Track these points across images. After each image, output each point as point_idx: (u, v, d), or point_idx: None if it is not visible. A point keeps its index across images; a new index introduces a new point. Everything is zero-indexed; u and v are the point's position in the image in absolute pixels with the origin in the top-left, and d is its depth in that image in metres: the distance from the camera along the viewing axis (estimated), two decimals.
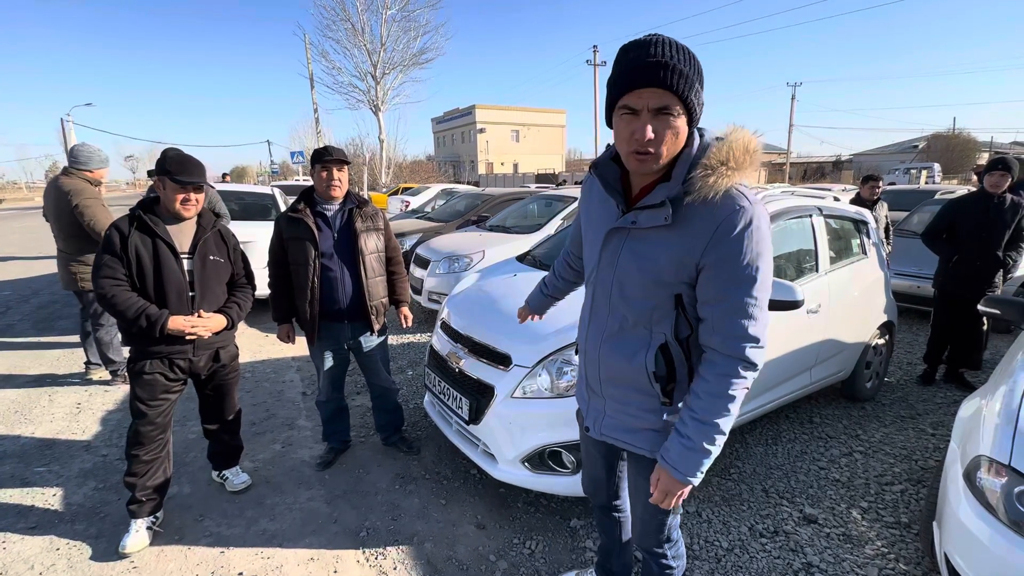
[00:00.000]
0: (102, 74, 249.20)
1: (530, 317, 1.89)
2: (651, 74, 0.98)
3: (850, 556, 2.07)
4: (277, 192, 6.22)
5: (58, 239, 3.46)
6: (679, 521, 1.48)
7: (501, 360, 2.27)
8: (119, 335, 3.62)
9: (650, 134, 1.02)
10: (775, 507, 2.38)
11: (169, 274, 2.00)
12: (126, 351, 2.78)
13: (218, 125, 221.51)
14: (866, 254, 3.42)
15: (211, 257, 2.13)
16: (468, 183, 31.41)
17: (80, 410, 3.30)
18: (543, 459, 2.15)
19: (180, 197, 2.00)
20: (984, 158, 41.40)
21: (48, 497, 2.40)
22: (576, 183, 20.94)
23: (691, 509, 2.35)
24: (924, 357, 3.98)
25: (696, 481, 1.14)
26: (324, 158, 2.32)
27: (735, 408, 1.12)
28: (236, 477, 2.48)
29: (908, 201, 7.23)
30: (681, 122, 1.03)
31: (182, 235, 2.07)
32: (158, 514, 2.18)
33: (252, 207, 5.84)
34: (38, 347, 4.53)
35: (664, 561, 1.45)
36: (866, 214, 3.55)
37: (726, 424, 1.12)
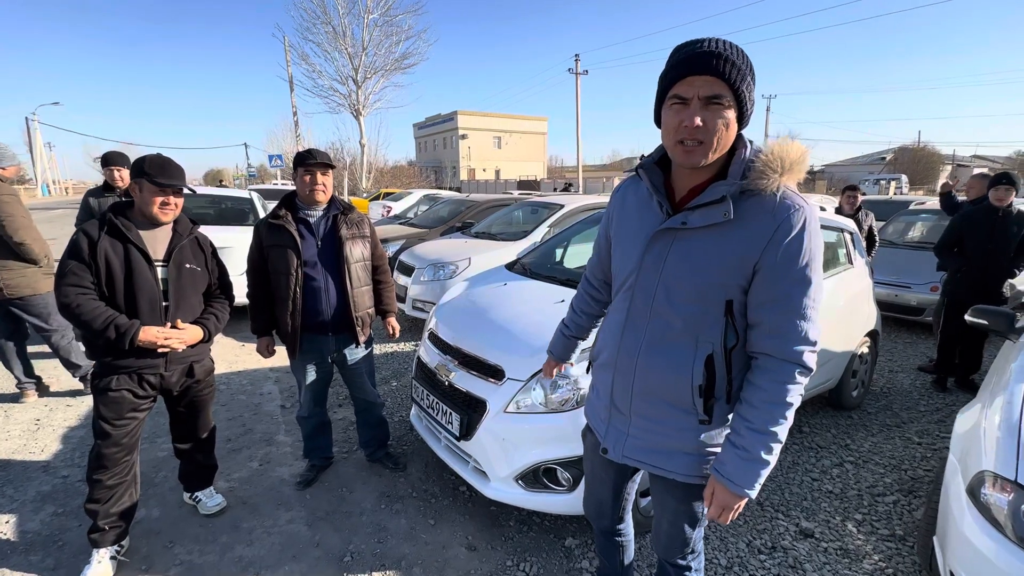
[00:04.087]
0: (70, 73, 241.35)
1: (556, 368, 1.77)
2: (704, 61, 0.99)
3: (849, 572, 2.04)
4: (255, 196, 6.02)
5: None
6: (703, 532, 1.41)
7: (493, 373, 2.18)
8: (74, 339, 3.41)
9: (698, 122, 1.01)
10: (771, 521, 2.34)
11: (141, 282, 1.86)
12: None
13: (193, 127, 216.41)
14: (852, 264, 3.45)
15: (187, 265, 2.00)
16: (450, 189, 31.28)
17: (39, 427, 3.09)
18: (538, 476, 2.07)
19: (159, 200, 1.88)
20: (947, 171, 43.18)
21: (0, 524, 2.21)
22: (559, 189, 20.99)
23: None
24: (935, 366, 4.07)
25: (754, 494, 1.10)
26: (307, 161, 2.21)
27: (791, 415, 1.09)
28: (210, 499, 2.33)
29: (884, 211, 7.42)
30: (731, 114, 1.02)
31: (156, 241, 1.94)
32: (123, 542, 2.02)
33: (229, 212, 5.63)
34: None
35: (688, 574, 1.41)
36: (851, 224, 3.59)
37: (783, 432, 1.09)
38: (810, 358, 1.07)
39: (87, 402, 3.43)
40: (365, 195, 20.17)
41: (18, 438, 2.95)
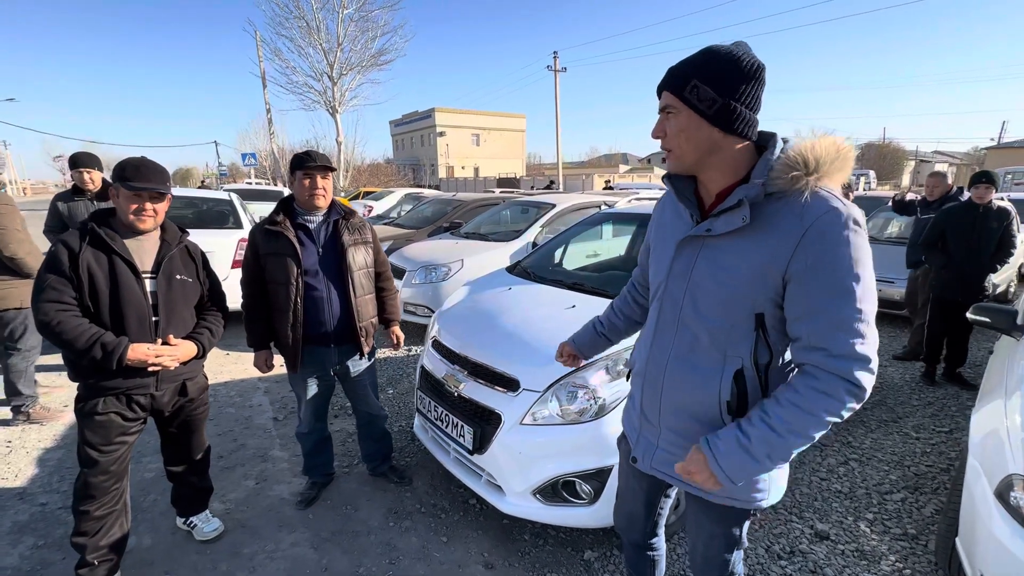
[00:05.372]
0: (26, 68, 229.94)
1: (575, 360, 1.65)
2: (659, 83, 1.07)
3: (868, 574, 2.04)
4: (235, 197, 5.78)
5: None
6: (743, 555, 1.36)
7: (507, 384, 2.10)
8: (33, 365, 3.18)
9: (656, 132, 1.09)
10: (786, 524, 2.33)
11: (128, 296, 1.72)
12: (45, 382, 2.39)
13: (160, 124, 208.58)
14: None
15: (177, 276, 1.87)
16: (429, 187, 30.94)
17: (11, 450, 2.88)
18: (556, 490, 2.00)
19: (133, 207, 1.74)
20: (911, 166, 44.82)
21: None
22: (543, 188, 20.92)
23: None
24: (923, 358, 4.18)
25: (732, 484, 1.04)
26: (307, 164, 2.09)
27: (817, 435, 0.99)
28: (206, 524, 2.19)
29: (862, 207, 7.58)
30: (684, 120, 1.03)
31: (143, 251, 1.80)
32: None
33: (208, 214, 5.39)
34: None
35: None
36: None
37: (797, 447, 0.99)
38: (863, 377, 0.94)
39: (64, 420, 3.22)
40: (343, 194, 19.76)
41: None
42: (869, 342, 0.95)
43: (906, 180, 41.59)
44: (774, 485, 1.19)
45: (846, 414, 0.97)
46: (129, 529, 1.92)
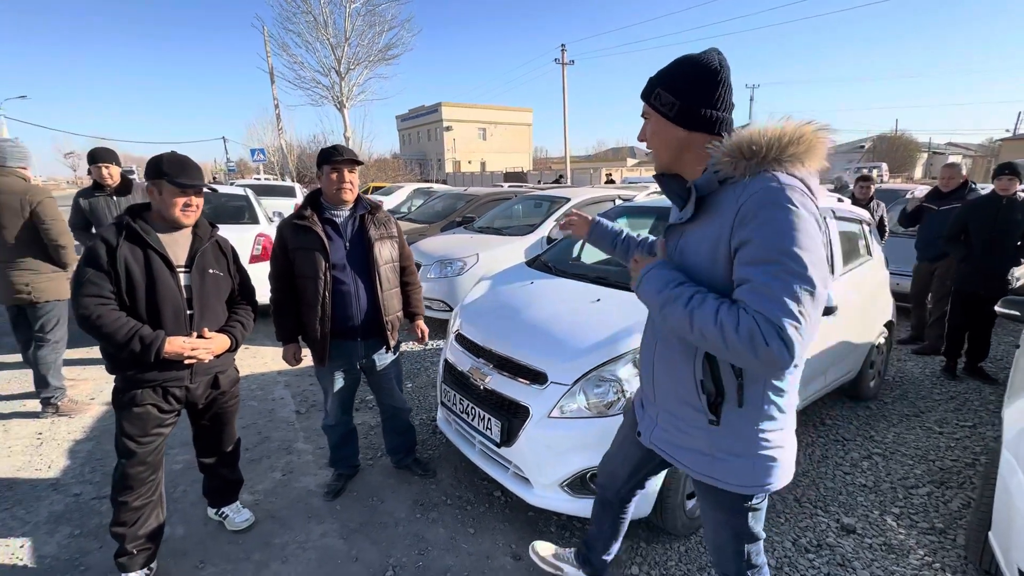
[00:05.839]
0: (37, 66, 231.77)
1: (583, 222, 1.72)
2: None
3: (897, 568, 2.03)
4: (251, 193, 5.82)
5: None
6: (760, 547, 1.36)
7: (535, 377, 2.11)
8: (61, 357, 3.23)
9: (640, 136, 1.25)
10: (812, 518, 2.33)
11: (164, 290, 1.75)
12: (72, 376, 2.40)
13: (168, 120, 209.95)
14: (871, 255, 3.46)
15: (210, 271, 1.89)
16: (437, 181, 30.93)
17: (42, 441, 2.93)
18: (584, 482, 2.01)
19: (181, 202, 1.77)
20: (924, 158, 44.12)
21: (15, 549, 2.08)
22: (552, 182, 20.81)
23: None
24: (944, 352, 4.13)
25: (638, 288, 1.18)
26: (334, 158, 2.10)
27: (705, 343, 1.03)
28: (237, 515, 2.22)
29: (882, 199, 7.48)
30: (654, 123, 1.18)
31: (176, 246, 1.83)
32: (152, 565, 1.92)
33: (223, 209, 5.43)
34: None
35: None
36: (867, 215, 3.60)
37: (681, 328, 1.06)
38: (792, 333, 0.92)
39: (92, 413, 3.27)
40: None
41: (21, 454, 2.80)
42: (806, 310, 0.94)
43: (919, 172, 40.98)
44: (761, 474, 1.18)
45: (765, 361, 0.94)
46: (164, 519, 1.95)
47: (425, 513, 2.34)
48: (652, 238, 1.67)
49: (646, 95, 1.18)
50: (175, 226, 1.82)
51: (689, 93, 1.11)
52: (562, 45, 24.07)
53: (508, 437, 2.11)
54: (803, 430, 3.16)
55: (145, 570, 1.88)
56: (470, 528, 2.24)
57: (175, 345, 1.74)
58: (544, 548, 1.94)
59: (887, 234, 5.18)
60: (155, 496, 1.89)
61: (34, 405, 3.26)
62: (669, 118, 1.14)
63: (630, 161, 45.97)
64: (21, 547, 2.10)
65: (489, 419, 2.19)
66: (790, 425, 1.21)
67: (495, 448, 2.18)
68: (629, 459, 1.53)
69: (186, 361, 1.78)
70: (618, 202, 5.60)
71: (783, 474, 1.20)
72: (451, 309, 4.79)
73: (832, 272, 2.98)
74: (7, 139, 3.12)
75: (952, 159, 5.17)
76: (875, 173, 25.61)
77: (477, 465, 2.33)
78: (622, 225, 4.28)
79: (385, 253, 2.26)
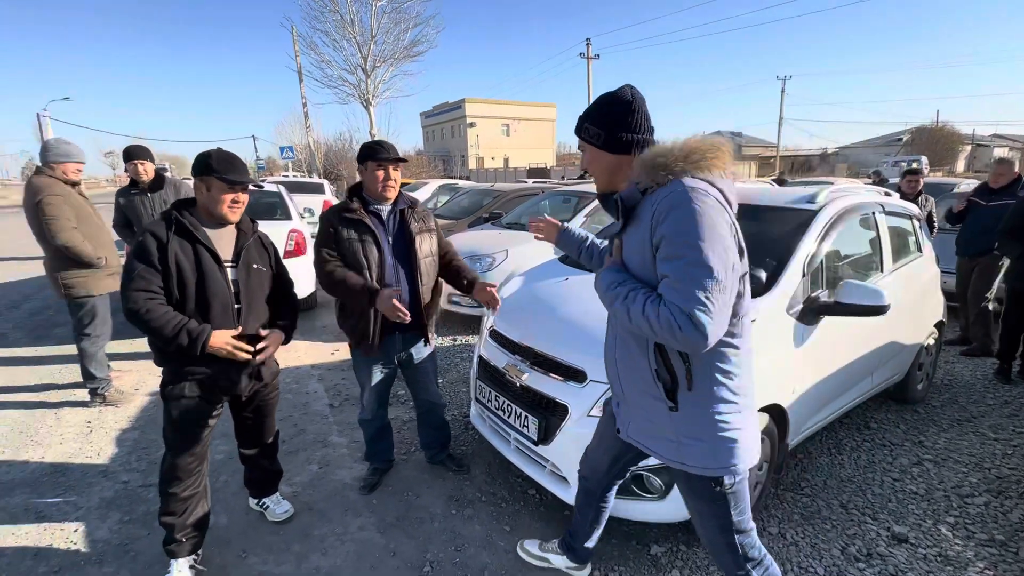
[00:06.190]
0: (79, 68, 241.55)
1: (551, 227, 1.86)
2: None
3: None
4: (283, 189, 5.92)
5: (39, 243, 3.12)
6: (754, 539, 1.41)
7: (573, 375, 2.08)
8: (102, 350, 3.33)
9: (582, 166, 1.45)
10: (860, 525, 2.24)
11: (213, 285, 1.77)
12: (116, 368, 2.46)
13: (200, 119, 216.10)
14: (922, 252, 3.30)
15: (254, 266, 1.92)
16: (461, 178, 31.05)
17: (91, 429, 3.05)
18: (625, 483, 1.97)
19: (229, 198, 1.79)
20: (967, 151, 42.12)
21: (69, 534, 2.17)
22: (578, 177, 20.64)
23: (773, 530, 2.20)
24: (998, 354, 3.93)
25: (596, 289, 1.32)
26: (380, 155, 2.10)
27: (637, 318, 1.15)
28: (278, 506, 2.26)
29: (930, 194, 7.16)
30: (590, 153, 1.38)
31: (222, 241, 1.85)
32: (199, 552, 1.96)
33: (258, 206, 5.54)
34: (36, 358, 4.24)
35: None
36: (917, 210, 3.44)
37: (628, 317, 1.18)
38: (702, 316, 1.07)
39: (136, 403, 3.39)
40: None
41: (72, 441, 2.91)
42: (714, 297, 1.08)
43: (960, 166, 39.14)
44: (724, 456, 1.26)
45: (680, 341, 1.10)
46: (209, 509, 2.00)
47: (460, 509, 2.34)
48: (605, 244, 1.78)
49: (578, 131, 1.38)
50: (221, 222, 1.85)
51: (613, 122, 1.30)
52: (587, 39, 23.84)
53: (546, 435, 2.09)
54: (847, 433, 3.04)
55: (193, 556, 1.93)
56: (506, 526, 2.23)
57: (220, 340, 1.76)
58: (531, 544, 2.03)
59: (935, 230, 4.95)
60: (201, 487, 1.94)
61: (84, 394, 3.39)
62: (598, 146, 1.33)
63: None
64: (75, 531, 2.18)
65: (526, 416, 2.17)
66: (748, 408, 1.30)
67: (532, 446, 2.16)
68: (609, 451, 1.64)
69: (239, 358, 1.80)
70: None
71: (746, 455, 1.28)
72: (480, 305, 4.78)
73: (881, 269, 2.86)
74: (53, 137, 3.23)
75: (999, 152, 4.86)
76: (914, 167, 24.64)
77: (512, 462, 2.32)
78: (745, 258, 4.22)
79: (425, 247, 2.26)
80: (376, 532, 2.19)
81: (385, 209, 2.20)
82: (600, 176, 1.38)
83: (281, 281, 2.06)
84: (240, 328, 1.83)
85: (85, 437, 2.96)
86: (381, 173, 2.11)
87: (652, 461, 1.89)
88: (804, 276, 2.28)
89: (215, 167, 1.75)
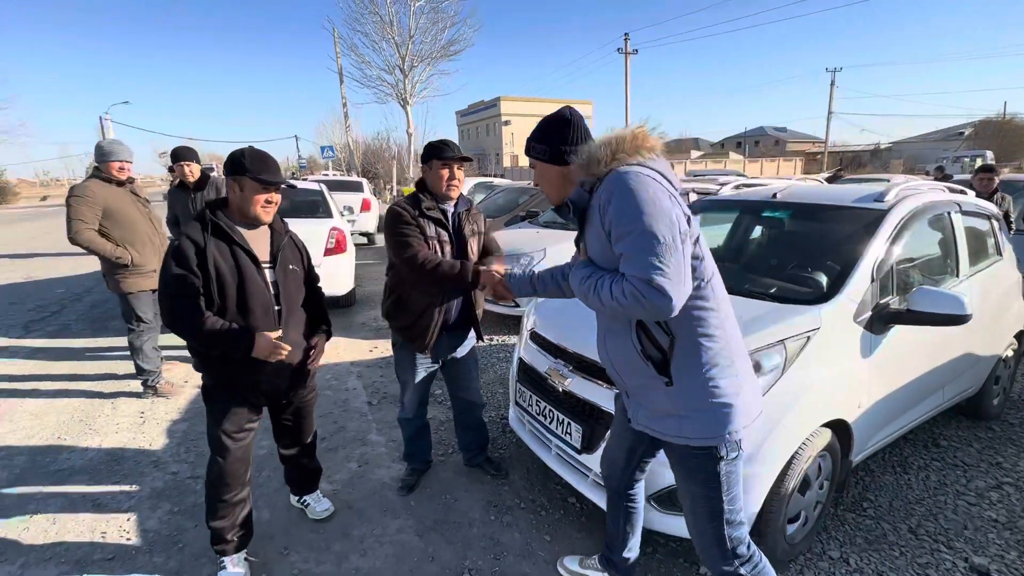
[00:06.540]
0: (136, 73, 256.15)
1: (502, 294, 1.95)
2: None
3: None
4: (324, 188, 6.04)
5: None
6: (744, 535, 1.41)
7: None
8: (149, 343, 3.42)
9: (533, 182, 1.51)
10: (933, 553, 2.06)
11: (253, 287, 1.74)
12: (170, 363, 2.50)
13: (247, 121, 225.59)
14: (1001, 255, 3.03)
15: (291, 267, 1.89)
16: (495, 175, 31.13)
17: (144, 420, 3.17)
18: (674, 498, 1.86)
19: (263, 199, 1.75)
20: None
21: (122, 522, 2.24)
22: None
23: (835, 554, 2.04)
24: None
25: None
26: (445, 155, 2.06)
27: (608, 307, 1.23)
28: (318, 504, 2.27)
29: (1008, 192, 6.62)
30: (539, 169, 1.49)
31: (258, 242, 1.81)
32: (246, 548, 1.97)
33: (301, 204, 5.67)
34: (95, 349, 4.46)
35: None
36: (996, 210, 3.16)
37: (600, 303, 1.25)
38: (661, 280, 1.12)
39: (186, 395, 3.50)
40: (413, 184, 20.29)
41: (127, 431, 3.03)
42: (666, 260, 1.14)
43: None
44: (722, 422, 1.30)
45: (647, 308, 1.15)
46: (252, 506, 2.00)
47: (499, 516, 2.29)
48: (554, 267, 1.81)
49: (527, 150, 1.48)
50: (254, 223, 1.80)
51: (555, 138, 1.42)
52: (625, 34, 23.41)
53: (590, 444, 2.01)
54: (913, 450, 2.82)
55: (243, 552, 1.94)
56: (546, 535, 2.16)
57: (265, 342, 1.73)
58: (571, 561, 1.97)
59: (1013, 230, 4.56)
60: (246, 491, 1.93)
61: (137, 385, 3.53)
62: (545, 160, 1.45)
63: (694, 153, 44.08)
64: (128, 520, 2.25)
65: (569, 423, 2.09)
66: (743, 370, 1.36)
67: (574, 454, 2.08)
68: (622, 444, 1.66)
69: (276, 359, 1.78)
70: (693, 196, 5.31)
71: (743, 419, 1.32)
72: (517, 305, 4.73)
73: (957, 274, 2.63)
74: (103, 139, 3.38)
75: None
76: (978, 163, 23.01)
77: (552, 469, 2.25)
78: (696, 224, 4.04)
79: (474, 248, 2.24)
80: (414, 535, 2.17)
81: (449, 209, 2.18)
82: (551, 189, 1.48)
83: (311, 282, 2.05)
84: (280, 330, 1.81)
85: (138, 427, 3.07)
86: (446, 172, 2.08)
87: None
88: (873, 281, 2.11)
89: (248, 167, 1.69)
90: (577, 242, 1.47)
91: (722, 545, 1.39)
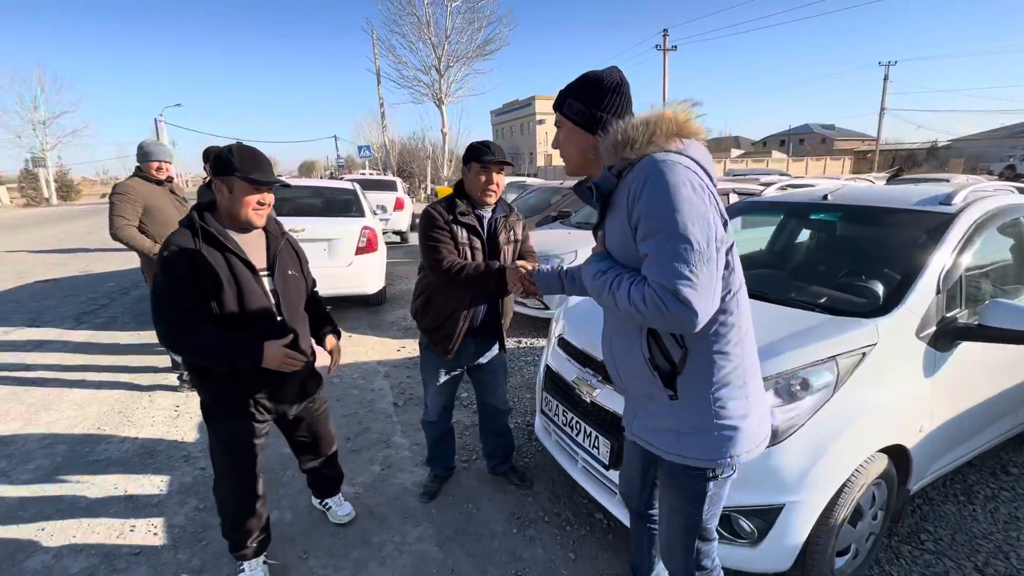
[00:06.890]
0: (188, 76, 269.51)
1: (528, 290, 1.79)
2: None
3: None
4: (357, 187, 6.09)
5: None
6: (712, 550, 1.37)
7: None
8: None
9: (553, 143, 1.34)
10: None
11: (252, 296, 1.61)
12: None
13: (291, 121, 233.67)
14: None
15: (290, 272, 1.78)
16: (528, 175, 31.06)
17: (178, 414, 3.24)
18: None
19: (254, 200, 1.59)
20: None
21: (151, 517, 2.27)
22: None
23: None
24: None
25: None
26: (484, 158, 1.97)
27: (624, 304, 1.10)
28: (340, 507, 2.24)
29: None
30: (566, 130, 1.29)
31: (252, 248, 1.66)
32: (266, 552, 1.96)
33: (334, 203, 5.73)
34: (139, 342, 4.63)
35: None
36: None
37: (615, 304, 1.13)
38: (688, 292, 1.00)
39: None
40: (447, 183, 20.43)
41: (161, 424, 3.10)
42: (697, 270, 1.01)
43: None
44: (724, 444, 1.20)
45: (670, 322, 1.04)
46: (268, 512, 1.93)
47: (522, 529, 2.20)
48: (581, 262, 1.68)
49: (558, 105, 1.29)
50: (246, 227, 1.66)
51: (597, 103, 1.23)
52: (664, 30, 22.85)
53: (618, 459, 1.89)
54: (978, 478, 2.57)
55: (263, 556, 1.92)
56: (571, 553, 2.06)
57: (275, 351, 1.61)
58: None
59: None
60: (261, 501, 1.85)
61: (174, 379, 3.62)
62: (579, 124, 1.26)
63: (734, 152, 42.73)
64: (156, 515, 2.29)
65: (596, 437, 1.99)
66: (755, 391, 1.25)
67: (602, 470, 1.97)
68: (634, 462, 1.56)
69: (289, 368, 1.67)
70: (733, 197, 5.07)
71: (747, 443, 1.22)
72: (547, 307, 4.63)
73: None
74: (144, 140, 3.48)
75: None
76: None
77: (578, 482, 2.14)
78: (735, 227, 3.79)
79: (508, 256, 2.16)
80: (434, 545, 2.11)
81: (487, 215, 2.10)
82: (574, 156, 1.30)
83: (312, 288, 1.99)
84: (290, 337, 1.71)
85: (172, 421, 3.15)
86: (483, 177, 2.00)
87: (745, 501, 1.66)
88: (939, 293, 1.91)
89: (237, 165, 1.54)
90: (595, 231, 1.31)
91: (688, 555, 1.36)
